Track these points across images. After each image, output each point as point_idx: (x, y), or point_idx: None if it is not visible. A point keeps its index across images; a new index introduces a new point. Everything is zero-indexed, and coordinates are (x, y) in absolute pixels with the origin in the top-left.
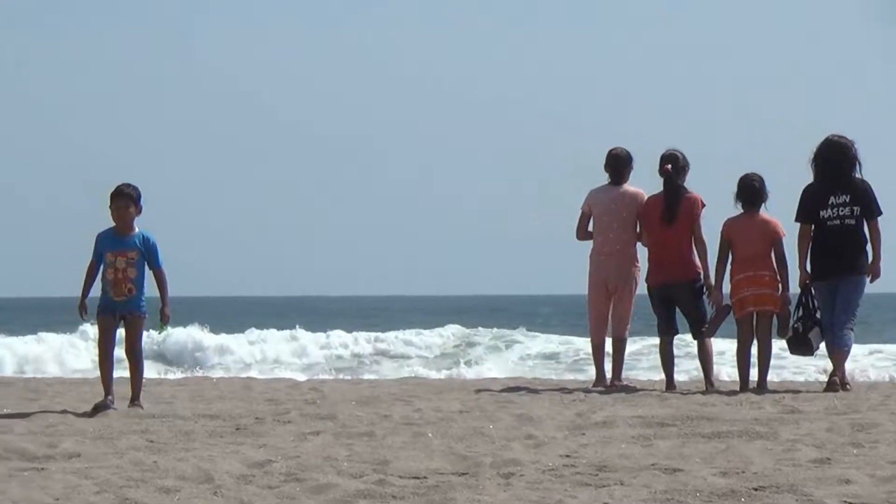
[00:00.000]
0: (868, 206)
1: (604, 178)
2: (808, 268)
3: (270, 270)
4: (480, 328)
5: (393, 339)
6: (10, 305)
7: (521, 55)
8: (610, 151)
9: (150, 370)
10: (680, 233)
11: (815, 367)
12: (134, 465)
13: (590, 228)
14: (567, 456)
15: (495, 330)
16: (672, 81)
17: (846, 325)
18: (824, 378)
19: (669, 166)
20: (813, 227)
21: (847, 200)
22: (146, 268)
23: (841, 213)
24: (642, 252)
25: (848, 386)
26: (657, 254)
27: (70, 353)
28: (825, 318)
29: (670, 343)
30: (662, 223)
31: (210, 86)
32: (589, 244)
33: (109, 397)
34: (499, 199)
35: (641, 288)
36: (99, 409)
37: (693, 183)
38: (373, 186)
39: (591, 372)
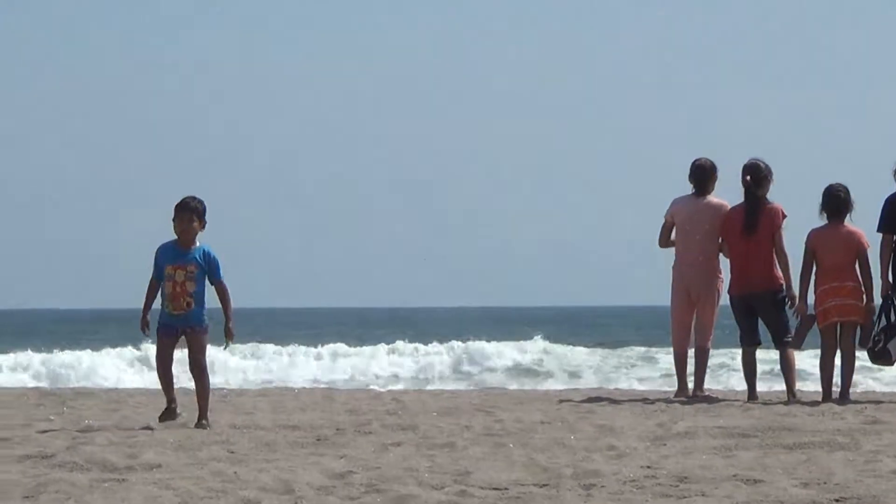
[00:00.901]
0: None
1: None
2: (891, 278)
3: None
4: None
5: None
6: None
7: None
8: (694, 162)
9: None
10: (761, 243)
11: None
12: (215, 475)
13: (674, 237)
14: (648, 467)
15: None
16: (752, 85)
17: None
18: None
19: (749, 177)
20: (894, 237)
21: None
22: (206, 282)
23: None
24: (724, 263)
25: None
26: (739, 264)
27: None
28: None
29: (753, 354)
30: (744, 234)
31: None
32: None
33: (174, 404)
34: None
35: (724, 299)
36: (167, 417)
37: (776, 193)
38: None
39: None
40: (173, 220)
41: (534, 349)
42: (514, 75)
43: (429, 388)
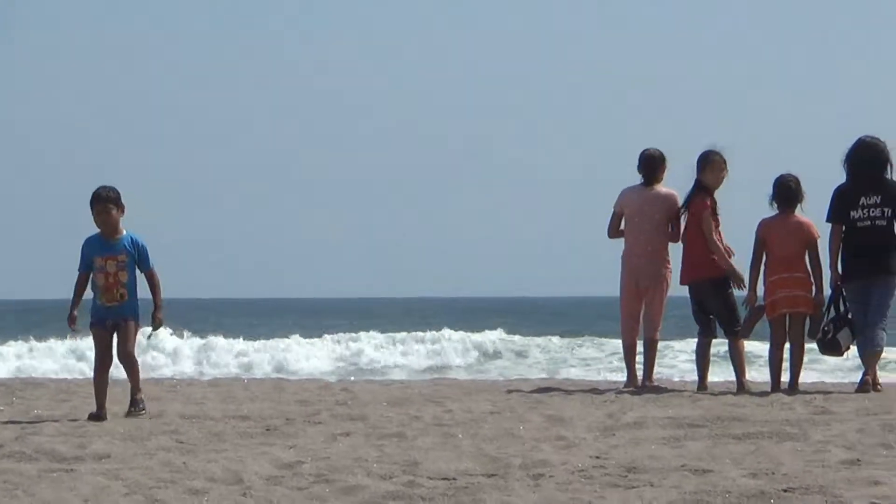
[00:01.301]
0: None
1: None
2: (840, 269)
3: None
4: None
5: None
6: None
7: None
8: (643, 152)
9: None
10: (689, 230)
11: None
12: (163, 465)
13: (623, 227)
14: (597, 457)
15: None
16: (706, 81)
17: (878, 326)
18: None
19: (701, 163)
20: (844, 227)
21: (878, 201)
22: (137, 271)
23: (872, 214)
24: (676, 254)
25: (879, 387)
26: (690, 253)
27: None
28: (857, 318)
29: (707, 345)
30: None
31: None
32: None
33: (103, 410)
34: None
35: (675, 290)
36: (95, 419)
37: (730, 184)
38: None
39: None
40: (92, 213)
41: (493, 338)
42: (464, 71)
43: (377, 378)
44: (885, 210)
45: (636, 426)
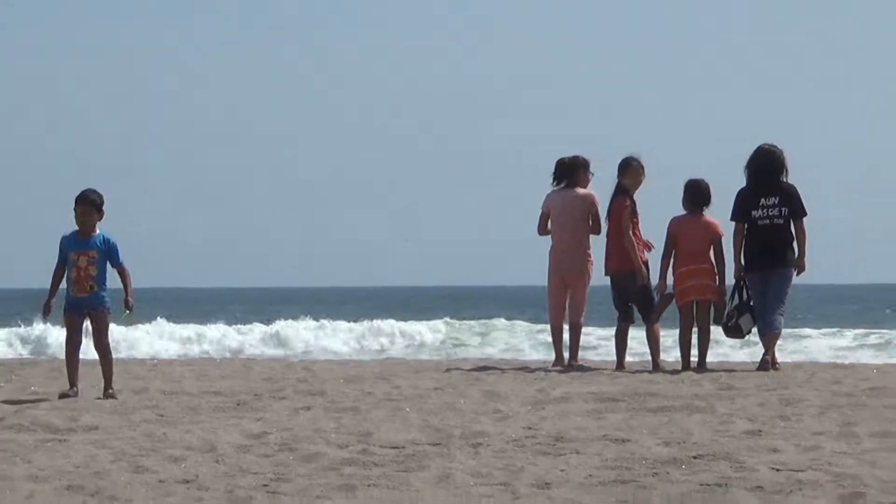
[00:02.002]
0: (795, 207)
1: None
2: (743, 261)
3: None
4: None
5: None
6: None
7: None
8: (558, 161)
9: None
10: (610, 228)
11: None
12: (146, 436)
13: (549, 227)
14: (529, 428)
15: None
16: (619, 90)
17: (776, 312)
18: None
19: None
20: (746, 225)
21: (776, 202)
22: (108, 266)
23: (770, 214)
24: (599, 248)
25: (777, 365)
26: (612, 248)
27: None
28: (757, 305)
29: (625, 329)
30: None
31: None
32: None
33: (74, 388)
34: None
35: (597, 280)
36: (63, 397)
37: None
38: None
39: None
40: (74, 210)
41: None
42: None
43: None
44: (783, 209)
45: (563, 400)
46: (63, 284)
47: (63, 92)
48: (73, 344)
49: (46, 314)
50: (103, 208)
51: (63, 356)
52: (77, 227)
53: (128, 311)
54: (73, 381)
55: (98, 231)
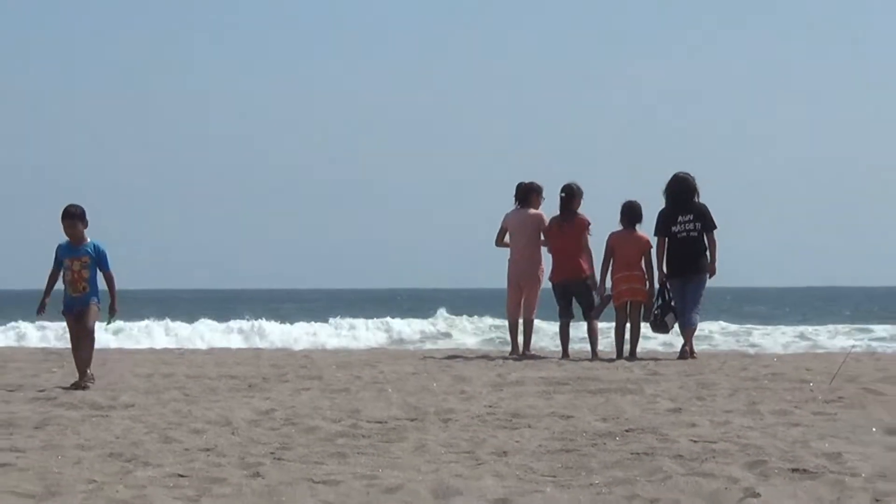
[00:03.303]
0: (706, 222)
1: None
2: (665, 269)
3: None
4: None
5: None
6: None
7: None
8: (518, 184)
9: None
10: (572, 243)
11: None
12: (174, 412)
13: (507, 240)
14: (490, 406)
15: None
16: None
17: (694, 310)
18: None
19: (564, 193)
20: (667, 239)
21: (691, 219)
22: (97, 271)
23: (687, 228)
24: (547, 258)
25: (694, 355)
26: (557, 258)
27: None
28: (678, 305)
29: (567, 325)
30: (560, 235)
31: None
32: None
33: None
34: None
35: (546, 284)
36: (77, 387)
37: (584, 207)
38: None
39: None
40: (62, 224)
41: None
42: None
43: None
44: (696, 224)
45: (518, 384)
46: (59, 286)
47: (78, 112)
48: (75, 338)
49: (41, 312)
50: (86, 218)
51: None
52: (67, 237)
53: (111, 317)
54: (82, 375)
55: (89, 240)
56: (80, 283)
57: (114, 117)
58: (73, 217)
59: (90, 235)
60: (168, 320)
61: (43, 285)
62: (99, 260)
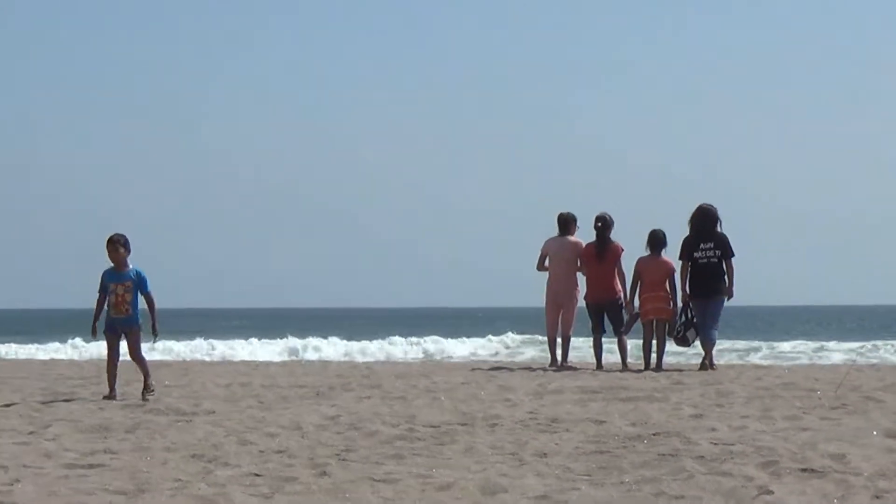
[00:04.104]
0: (725, 250)
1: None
2: (688, 289)
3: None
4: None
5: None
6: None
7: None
8: (559, 214)
9: None
10: (607, 267)
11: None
12: (250, 418)
13: (546, 264)
14: (531, 412)
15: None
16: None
17: (713, 327)
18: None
19: (600, 224)
20: (690, 263)
21: (711, 247)
22: (139, 294)
23: (707, 255)
24: (582, 279)
25: (714, 367)
26: (593, 281)
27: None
28: (699, 322)
29: (600, 339)
30: (596, 261)
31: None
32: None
33: (113, 392)
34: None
35: (580, 303)
36: (106, 399)
37: (616, 234)
38: None
39: (549, 357)
40: (107, 251)
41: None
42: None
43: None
44: (716, 252)
45: (557, 392)
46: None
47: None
48: (112, 357)
49: (94, 334)
50: (129, 246)
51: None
52: (111, 263)
53: (154, 337)
54: (112, 386)
55: (131, 266)
56: (123, 306)
57: (159, 146)
58: (117, 244)
59: (132, 262)
60: (246, 339)
61: (88, 306)
62: (140, 284)
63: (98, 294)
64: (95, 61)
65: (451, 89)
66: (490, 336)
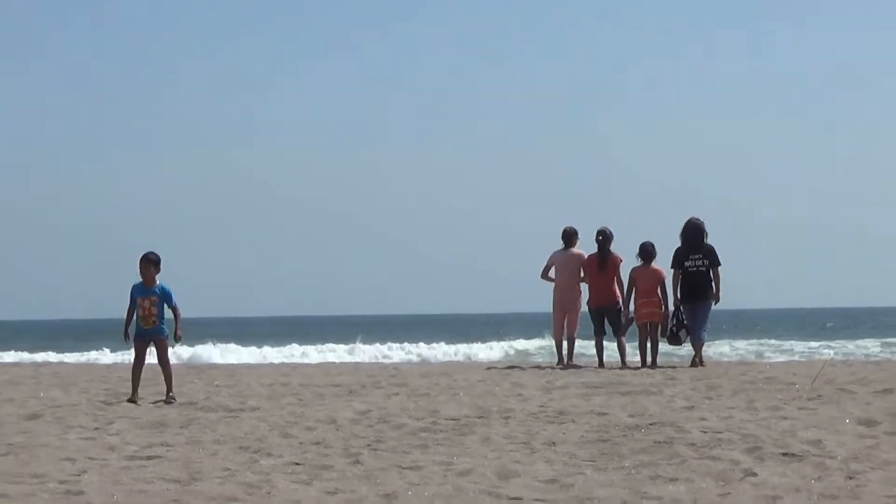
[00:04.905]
0: (713, 260)
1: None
2: (679, 295)
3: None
4: None
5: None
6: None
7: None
8: (563, 229)
9: None
10: (608, 276)
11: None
12: (290, 413)
13: (551, 274)
14: (541, 406)
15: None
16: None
17: (702, 328)
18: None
19: (601, 237)
20: (681, 272)
21: (700, 257)
22: (165, 307)
23: (697, 264)
24: (584, 286)
25: (703, 364)
26: (595, 289)
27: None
28: (689, 324)
29: (601, 340)
30: (598, 271)
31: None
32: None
33: (136, 395)
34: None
35: (584, 308)
36: (130, 402)
37: (615, 246)
38: None
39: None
40: (140, 267)
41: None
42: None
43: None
44: (704, 262)
45: (563, 388)
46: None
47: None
48: (138, 364)
49: (126, 339)
50: (160, 265)
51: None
52: (142, 279)
53: (176, 341)
54: (135, 390)
55: (158, 282)
56: (150, 318)
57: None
58: (150, 262)
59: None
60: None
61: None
62: (165, 298)
63: (128, 306)
64: (95, 62)
65: (452, 88)
66: (521, 339)
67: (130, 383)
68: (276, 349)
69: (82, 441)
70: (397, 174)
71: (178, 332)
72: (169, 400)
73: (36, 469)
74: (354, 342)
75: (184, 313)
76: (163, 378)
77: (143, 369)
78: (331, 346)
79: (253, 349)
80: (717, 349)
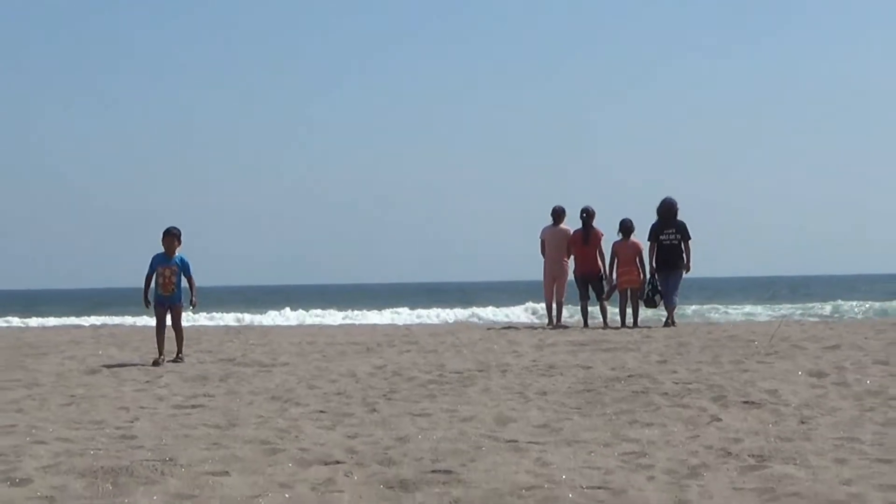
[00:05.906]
0: (684, 235)
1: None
2: (654, 265)
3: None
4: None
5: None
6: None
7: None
8: (553, 208)
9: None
10: (591, 249)
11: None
12: (316, 368)
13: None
14: (534, 361)
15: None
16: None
17: (674, 294)
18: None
19: (585, 214)
20: (656, 244)
21: (673, 231)
22: (182, 277)
23: (670, 238)
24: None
25: (675, 324)
26: (580, 260)
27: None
28: (663, 289)
29: (586, 305)
30: (583, 244)
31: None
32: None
33: (161, 356)
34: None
35: (570, 276)
36: (156, 364)
37: (597, 222)
38: None
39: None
40: (162, 239)
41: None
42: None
43: (427, 321)
44: (676, 236)
45: (553, 345)
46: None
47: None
48: (160, 327)
49: (147, 305)
50: (181, 238)
51: (154, 332)
52: (164, 249)
53: (193, 308)
54: (161, 352)
55: (178, 253)
56: (169, 286)
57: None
58: (172, 235)
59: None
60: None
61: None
62: (184, 269)
63: (147, 273)
64: (98, 61)
65: (450, 81)
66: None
67: (156, 346)
68: (307, 312)
69: (135, 392)
70: (400, 168)
71: (194, 300)
72: (178, 359)
73: (95, 417)
74: (381, 309)
75: (217, 283)
76: (175, 340)
77: (185, 330)
78: (357, 312)
79: (287, 311)
80: (685, 311)
